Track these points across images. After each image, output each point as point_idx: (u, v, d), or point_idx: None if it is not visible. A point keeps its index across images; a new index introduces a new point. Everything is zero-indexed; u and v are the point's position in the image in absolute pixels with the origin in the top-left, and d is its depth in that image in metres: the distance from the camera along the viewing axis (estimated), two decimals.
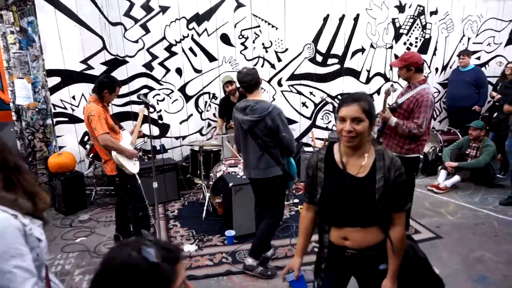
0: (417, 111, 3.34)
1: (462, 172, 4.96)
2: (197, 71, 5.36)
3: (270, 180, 3.01)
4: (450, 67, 6.53)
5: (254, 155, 2.99)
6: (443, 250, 3.54)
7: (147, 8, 4.96)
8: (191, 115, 5.51)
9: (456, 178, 4.95)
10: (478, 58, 6.57)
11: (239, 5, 5.30)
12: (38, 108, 4.47)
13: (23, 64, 4.28)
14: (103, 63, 4.93)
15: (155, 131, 5.36)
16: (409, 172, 3.64)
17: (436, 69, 6.50)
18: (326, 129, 6.17)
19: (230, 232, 3.70)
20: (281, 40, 5.61)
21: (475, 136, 5.03)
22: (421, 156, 4.08)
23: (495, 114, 5.75)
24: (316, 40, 5.76)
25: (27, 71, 4.31)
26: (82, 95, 4.95)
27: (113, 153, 3.24)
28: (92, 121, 3.14)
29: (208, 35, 5.28)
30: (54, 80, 4.77)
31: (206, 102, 5.45)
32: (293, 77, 5.77)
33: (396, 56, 6.15)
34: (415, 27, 6.20)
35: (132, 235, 3.58)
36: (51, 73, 4.71)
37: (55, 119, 4.85)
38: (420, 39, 6.26)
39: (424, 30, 6.24)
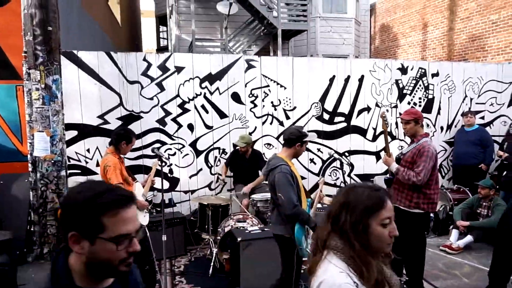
0: (418, 160, 3.47)
1: (475, 232, 4.86)
2: (208, 127, 5.56)
3: (277, 238, 3.03)
4: (455, 126, 6.67)
5: (271, 207, 3.13)
6: None
7: (163, 68, 5.30)
8: (201, 169, 5.60)
9: (469, 238, 4.83)
10: (482, 117, 6.73)
11: (250, 66, 5.63)
12: (54, 160, 4.60)
13: (44, 118, 4.50)
14: (118, 118, 5.16)
15: (165, 184, 5.42)
16: (417, 228, 3.63)
17: (442, 128, 6.64)
18: (334, 185, 6.18)
19: None
20: (289, 99, 5.86)
21: (484, 194, 5.00)
22: (432, 215, 4.07)
23: (504, 173, 5.75)
24: (323, 99, 6.00)
25: (47, 125, 4.52)
26: (97, 148, 5.12)
27: None
28: (108, 171, 3.29)
29: (220, 94, 5.55)
30: (71, 134, 4.97)
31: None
32: None
33: (401, 114, 6.33)
34: (418, 88, 6.45)
35: None
36: (69, 126, 4.92)
37: (68, 171, 4.97)
38: (424, 99, 6.49)
39: (427, 91, 6.48)
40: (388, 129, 3.78)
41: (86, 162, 5.11)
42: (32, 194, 4.62)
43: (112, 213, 1.05)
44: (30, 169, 4.60)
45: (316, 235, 1.49)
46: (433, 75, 6.49)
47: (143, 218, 3.49)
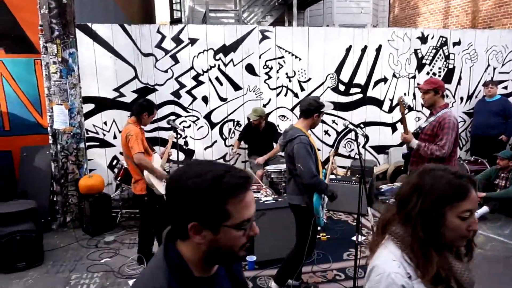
0: (440, 133, 3.37)
1: (491, 203, 4.81)
2: (222, 99, 5.56)
3: (293, 208, 3.06)
4: (476, 97, 6.47)
5: (287, 177, 3.13)
6: None
7: (177, 40, 5.27)
8: (215, 141, 5.66)
9: (485, 208, 4.79)
10: (505, 87, 6.49)
11: (264, 37, 5.53)
12: (73, 132, 4.73)
13: (62, 91, 4.59)
14: (134, 91, 5.21)
15: (181, 156, 5.51)
16: None
17: (461, 98, 6.46)
18: (349, 157, 6.16)
19: (251, 257, 3.70)
20: (304, 70, 5.77)
21: (503, 166, 4.91)
22: None
23: None
24: (338, 70, 5.89)
25: (65, 98, 4.61)
26: (113, 121, 5.21)
27: (145, 172, 3.46)
28: (130, 140, 3.37)
29: (234, 65, 5.51)
30: (89, 107, 5.07)
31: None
32: None
33: (418, 85, 6.18)
34: (438, 57, 6.24)
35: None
36: (86, 99, 5.01)
37: (87, 143, 5.10)
38: (444, 69, 6.28)
39: (447, 60, 6.27)
40: (406, 111, 3.64)
41: (104, 135, 5.22)
42: (53, 165, 4.79)
43: (237, 198, 0.95)
44: (50, 141, 4.75)
45: (381, 215, 1.37)
46: (455, 44, 6.24)
47: (162, 188, 3.62)
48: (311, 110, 3.00)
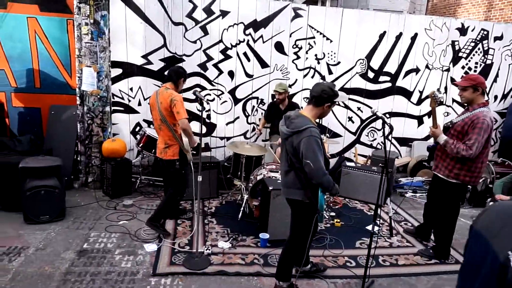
0: (470, 132, 3.22)
1: None
2: (248, 75, 5.51)
3: (293, 202, 2.83)
4: (511, 97, 6.21)
5: (283, 169, 2.83)
6: None
7: (208, 11, 5.19)
8: (238, 117, 5.65)
9: None
10: None
11: (297, 15, 5.39)
12: (100, 95, 4.80)
13: (92, 54, 4.64)
14: (161, 60, 5.21)
15: (203, 129, 5.54)
16: (452, 197, 3.53)
17: (495, 97, 6.21)
18: (371, 146, 6.07)
19: (265, 235, 3.75)
20: (334, 53, 5.63)
21: None
22: (469, 186, 3.91)
23: None
24: (369, 56, 5.72)
25: (95, 60, 4.66)
26: (139, 87, 5.25)
27: (184, 138, 3.59)
28: (176, 105, 3.45)
29: (263, 42, 5.42)
30: (116, 71, 5.11)
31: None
32: (342, 90, 5.76)
33: (452, 79, 5.96)
34: (476, 52, 5.97)
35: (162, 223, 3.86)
36: (114, 64, 5.05)
37: (112, 108, 5.18)
38: (481, 64, 6.02)
39: (486, 56, 5.99)
40: (436, 105, 3.48)
41: (129, 101, 5.28)
42: (79, 126, 4.90)
43: None
44: (78, 102, 4.84)
45: None
46: (496, 39, 5.94)
47: (190, 155, 3.78)
48: (323, 98, 2.65)
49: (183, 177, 3.77)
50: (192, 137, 3.63)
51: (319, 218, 2.90)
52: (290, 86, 5.55)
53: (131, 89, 5.25)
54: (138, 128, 5.37)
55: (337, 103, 2.87)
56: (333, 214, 4.65)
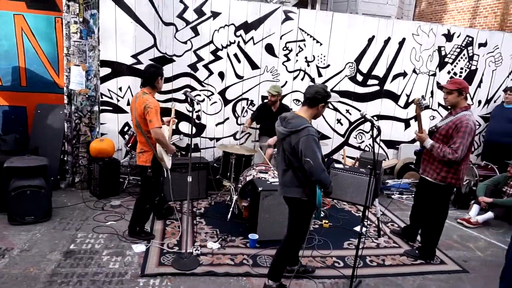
0: (455, 136, 3.31)
1: (497, 209, 4.79)
2: (238, 77, 5.52)
3: (291, 201, 2.87)
4: (494, 102, 6.37)
5: (280, 168, 2.88)
6: (469, 285, 3.43)
7: (199, 12, 5.19)
8: (228, 118, 5.65)
9: (489, 214, 4.78)
10: None
11: (287, 18, 5.44)
12: (88, 94, 4.75)
13: (81, 52, 4.58)
14: (151, 60, 5.18)
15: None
16: (441, 199, 3.61)
17: (479, 102, 6.36)
18: (358, 148, 6.14)
19: (254, 236, 3.76)
20: (324, 56, 5.69)
21: None
22: (455, 188, 4.00)
23: None
24: (358, 60, 5.80)
25: (83, 59, 4.61)
26: (129, 87, 5.21)
27: (158, 147, 3.40)
28: (149, 113, 3.26)
29: (254, 44, 5.44)
30: (106, 71, 5.06)
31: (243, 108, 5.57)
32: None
33: (438, 84, 6.08)
34: (461, 57, 6.11)
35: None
36: (103, 63, 5.00)
37: (101, 107, 5.12)
38: (466, 70, 6.16)
39: (471, 61, 6.14)
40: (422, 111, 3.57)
41: (118, 100, 5.23)
42: (66, 125, 4.83)
43: None
44: (65, 101, 4.78)
45: None
46: (480, 45, 6.10)
47: (169, 162, 3.62)
48: (317, 99, 2.75)
49: (153, 185, 3.61)
50: (168, 145, 3.47)
51: (317, 215, 2.97)
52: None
53: (120, 88, 5.21)
54: (126, 128, 5.32)
55: (329, 103, 2.93)
56: (322, 214, 4.69)
